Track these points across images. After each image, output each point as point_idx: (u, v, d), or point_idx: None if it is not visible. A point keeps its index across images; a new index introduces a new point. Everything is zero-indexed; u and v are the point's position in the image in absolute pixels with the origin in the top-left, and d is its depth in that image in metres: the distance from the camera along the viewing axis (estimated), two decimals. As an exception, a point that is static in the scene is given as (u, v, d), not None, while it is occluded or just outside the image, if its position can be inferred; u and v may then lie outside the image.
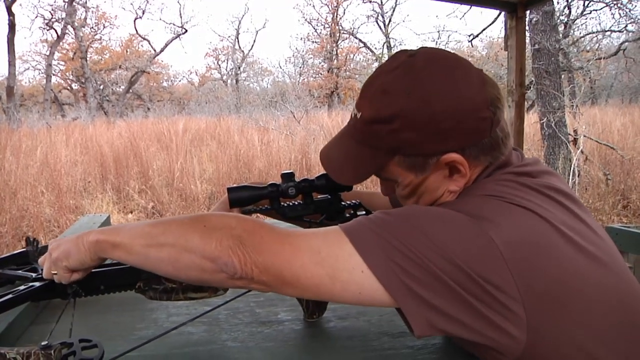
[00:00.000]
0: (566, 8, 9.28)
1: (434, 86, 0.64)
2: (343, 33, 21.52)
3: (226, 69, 24.81)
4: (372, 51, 21.17)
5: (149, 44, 22.26)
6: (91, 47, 20.81)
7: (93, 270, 0.77)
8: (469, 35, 10.68)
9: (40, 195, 5.30)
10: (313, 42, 22.61)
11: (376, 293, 0.59)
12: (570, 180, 5.28)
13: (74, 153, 7.14)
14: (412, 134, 0.65)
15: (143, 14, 20.59)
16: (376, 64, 19.29)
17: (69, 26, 17.87)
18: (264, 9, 55.91)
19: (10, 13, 13.90)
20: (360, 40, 21.35)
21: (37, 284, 0.77)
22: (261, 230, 0.63)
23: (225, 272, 0.61)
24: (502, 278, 0.56)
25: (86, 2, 18.78)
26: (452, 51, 0.74)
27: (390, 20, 20.68)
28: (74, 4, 17.42)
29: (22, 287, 0.76)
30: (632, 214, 5.13)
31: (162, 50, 21.02)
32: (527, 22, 2.59)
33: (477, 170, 0.69)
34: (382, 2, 20.34)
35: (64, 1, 17.39)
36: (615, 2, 8.32)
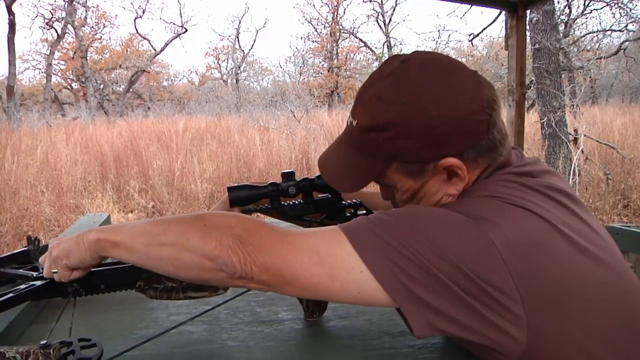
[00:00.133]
0: (567, 7, 9.29)
1: (429, 92, 0.64)
2: (343, 32, 21.49)
3: (226, 69, 24.81)
4: (372, 50, 21.16)
5: (149, 43, 22.27)
6: (91, 46, 20.78)
7: (93, 269, 0.77)
8: (470, 35, 10.66)
9: (41, 195, 5.30)
10: (313, 41, 22.59)
11: (375, 293, 0.59)
12: (570, 179, 5.28)
13: (74, 152, 7.14)
14: (409, 141, 0.65)
15: (143, 13, 20.61)
16: (376, 64, 19.29)
17: (69, 25, 17.87)
18: (264, 8, 55.93)
19: (10, 12, 13.88)
20: (360, 40, 21.35)
21: (37, 282, 0.77)
22: (261, 229, 0.63)
23: (224, 271, 0.61)
24: (502, 279, 0.56)
25: (86, 2, 18.77)
26: (446, 53, 0.74)
27: (390, 20, 20.68)
28: (74, 3, 17.41)
29: (22, 286, 0.76)
30: (632, 213, 5.12)
31: (162, 50, 21.02)
32: (527, 22, 2.59)
33: (476, 173, 0.69)
34: (382, 2, 20.34)
35: (64, 1, 17.40)
36: (615, 2, 8.32)
